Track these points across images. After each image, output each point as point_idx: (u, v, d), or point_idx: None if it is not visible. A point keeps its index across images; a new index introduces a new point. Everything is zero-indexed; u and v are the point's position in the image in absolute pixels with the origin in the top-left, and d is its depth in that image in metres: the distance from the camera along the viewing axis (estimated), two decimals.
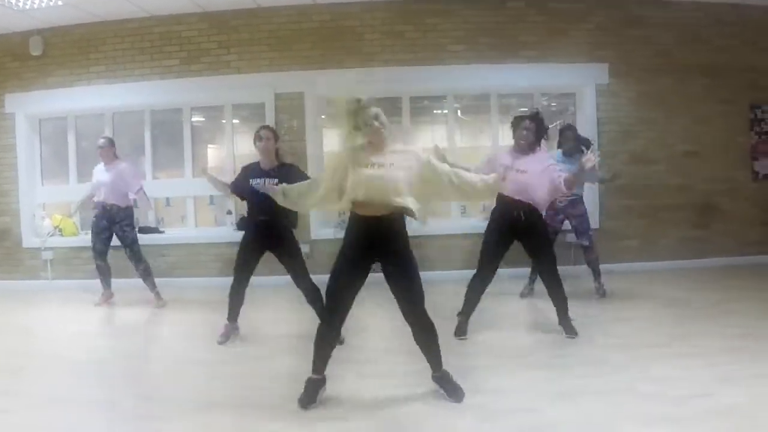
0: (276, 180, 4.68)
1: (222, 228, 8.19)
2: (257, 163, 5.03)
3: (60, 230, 8.06)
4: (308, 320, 5.32)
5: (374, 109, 3.56)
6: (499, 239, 4.96)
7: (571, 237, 6.80)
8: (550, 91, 8.18)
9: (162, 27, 7.86)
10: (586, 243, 6.36)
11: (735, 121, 7.97)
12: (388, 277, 3.61)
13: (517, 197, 4.77)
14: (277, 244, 4.99)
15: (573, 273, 6.95)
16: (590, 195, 7.67)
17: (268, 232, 4.93)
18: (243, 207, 7.92)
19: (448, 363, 3.76)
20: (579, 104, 7.91)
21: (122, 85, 7.89)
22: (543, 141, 4.98)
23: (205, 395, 3.89)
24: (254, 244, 5.02)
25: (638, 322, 5.31)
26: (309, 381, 3.67)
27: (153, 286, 6.64)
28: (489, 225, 5.07)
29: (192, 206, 8.11)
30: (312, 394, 3.62)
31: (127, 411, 3.66)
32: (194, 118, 8.32)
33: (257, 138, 4.95)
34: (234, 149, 8.11)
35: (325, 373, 3.70)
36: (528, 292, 6.45)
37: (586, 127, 7.71)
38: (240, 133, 8.23)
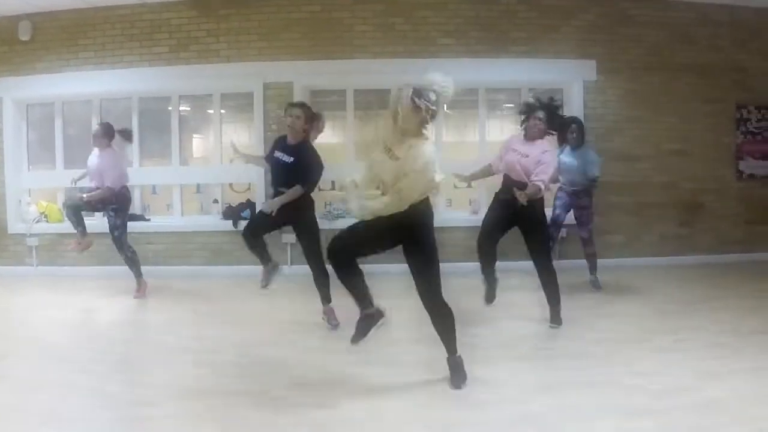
0: (293, 158, 4.95)
1: (208, 216, 8.15)
2: (285, 137, 5.15)
3: (45, 216, 8.03)
4: (303, 310, 5.37)
5: (402, 95, 3.58)
6: (496, 215, 5.14)
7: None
8: (538, 86, 8.18)
9: (152, 14, 7.81)
10: (585, 235, 6.46)
11: (721, 121, 8.01)
12: (409, 261, 3.70)
13: (518, 179, 4.93)
14: (295, 218, 5.02)
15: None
16: None
17: (287, 205, 4.94)
18: (229, 196, 8.14)
19: (436, 355, 3.80)
20: (566, 100, 7.92)
21: (111, 71, 7.84)
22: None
23: (192, 382, 3.91)
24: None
25: (622, 317, 5.38)
26: (362, 317, 3.74)
27: (138, 274, 6.56)
28: (490, 204, 5.34)
29: (178, 194, 8.09)
30: (366, 329, 3.72)
31: (114, 396, 3.68)
32: (181, 107, 8.29)
33: (287, 115, 5.07)
34: (221, 139, 8.04)
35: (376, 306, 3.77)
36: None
37: None
38: (226, 123, 8.23)
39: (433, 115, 3.56)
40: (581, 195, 6.39)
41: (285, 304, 5.34)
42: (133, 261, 6.53)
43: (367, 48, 7.72)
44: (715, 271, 7.31)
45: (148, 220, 8.08)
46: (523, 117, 5.21)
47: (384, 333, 4.24)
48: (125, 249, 6.50)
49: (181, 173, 8.03)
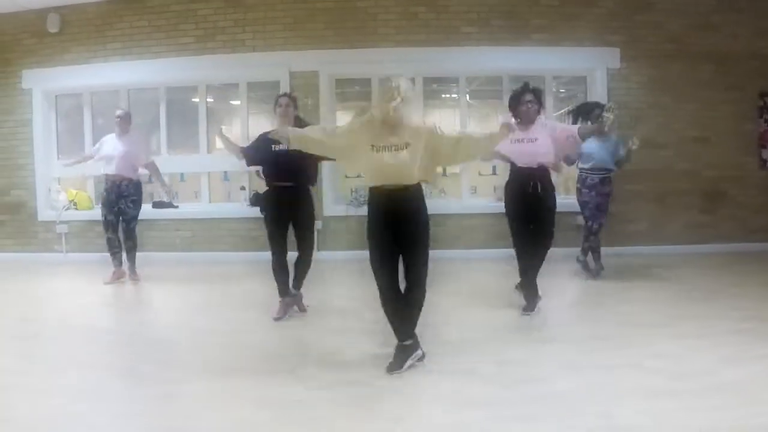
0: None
1: (235, 204, 8.30)
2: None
3: (75, 204, 8.18)
4: (330, 293, 5.43)
5: (394, 85, 3.57)
6: (520, 212, 5.01)
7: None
8: (562, 74, 8.22)
9: (178, 5, 7.94)
10: (602, 222, 6.43)
11: (744, 108, 8.00)
12: (403, 242, 3.67)
13: (529, 166, 4.92)
14: (295, 211, 4.94)
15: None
16: None
17: (289, 199, 4.90)
18: (256, 183, 8.21)
19: (463, 337, 3.82)
20: (590, 88, 7.96)
21: (138, 62, 7.98)
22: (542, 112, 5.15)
23: (222, 361, 3.95)
24: (279, 213, 4.94)
25: (645, 302, 5.39)
26: (398, 348, 3.76)
27: (134, 263, 6.73)
28: (506, 204, 5.14)
29: (206, 182, 8.22)
30: (402, 359, 3.72)
31: (145, 375, 3.72)
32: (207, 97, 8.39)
33: (277, 104, 4.97)
34: (248, 128, 8.13)
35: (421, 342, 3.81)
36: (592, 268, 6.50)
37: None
38: (252, 113, 8.33)
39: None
40: (606, 182, 6.40)
41: (310, 288, 5.37)
42: (135, 249, 6.75)
43: (391, 37, 7.78)
44: (739, 260, 7.29)
45: (177, 207, 8.17)
46: (512, 104, 5.13)
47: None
48: (134, 239, 6.72)
49: (209, 161, 8.14)
